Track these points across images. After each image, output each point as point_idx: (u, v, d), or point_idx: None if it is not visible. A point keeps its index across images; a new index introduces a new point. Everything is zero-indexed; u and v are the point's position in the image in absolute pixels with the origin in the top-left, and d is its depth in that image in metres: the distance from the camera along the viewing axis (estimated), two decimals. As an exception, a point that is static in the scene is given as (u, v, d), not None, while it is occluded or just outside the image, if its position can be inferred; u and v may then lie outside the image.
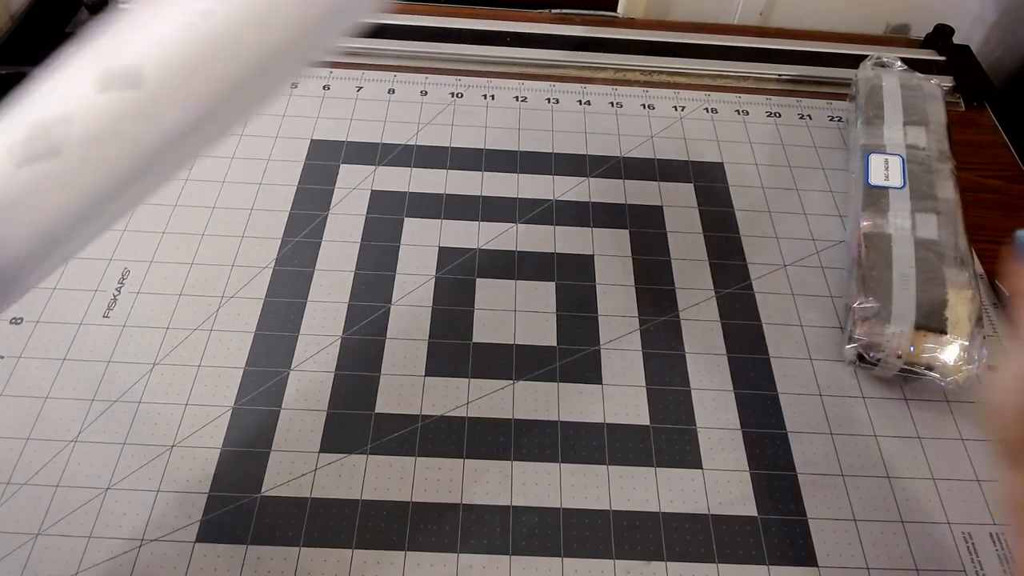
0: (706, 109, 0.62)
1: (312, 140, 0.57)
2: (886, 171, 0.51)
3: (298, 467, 0.40)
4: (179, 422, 0.42)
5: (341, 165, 0.55)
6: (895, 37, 0.73)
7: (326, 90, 0.61)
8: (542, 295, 0.49)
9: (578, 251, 0.51)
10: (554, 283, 0.49)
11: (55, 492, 0.39)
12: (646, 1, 0.71)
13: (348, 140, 0.57)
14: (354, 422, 0.42)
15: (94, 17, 0.63)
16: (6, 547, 0.37)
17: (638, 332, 0.47)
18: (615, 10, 0.71)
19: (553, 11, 0.70)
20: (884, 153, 0.52)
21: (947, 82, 0.64)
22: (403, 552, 0.38)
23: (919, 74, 0.58)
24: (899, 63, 0.59)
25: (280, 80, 0.28)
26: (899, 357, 0.43)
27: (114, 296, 0.47)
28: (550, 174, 0.56)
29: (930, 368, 0.43)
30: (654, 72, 0.65)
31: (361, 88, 0.61)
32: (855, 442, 0.43)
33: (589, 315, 0.48)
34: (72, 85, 0.24)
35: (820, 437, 0.43)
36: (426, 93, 0.61)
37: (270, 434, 0.42)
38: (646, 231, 0.53)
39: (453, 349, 0.46)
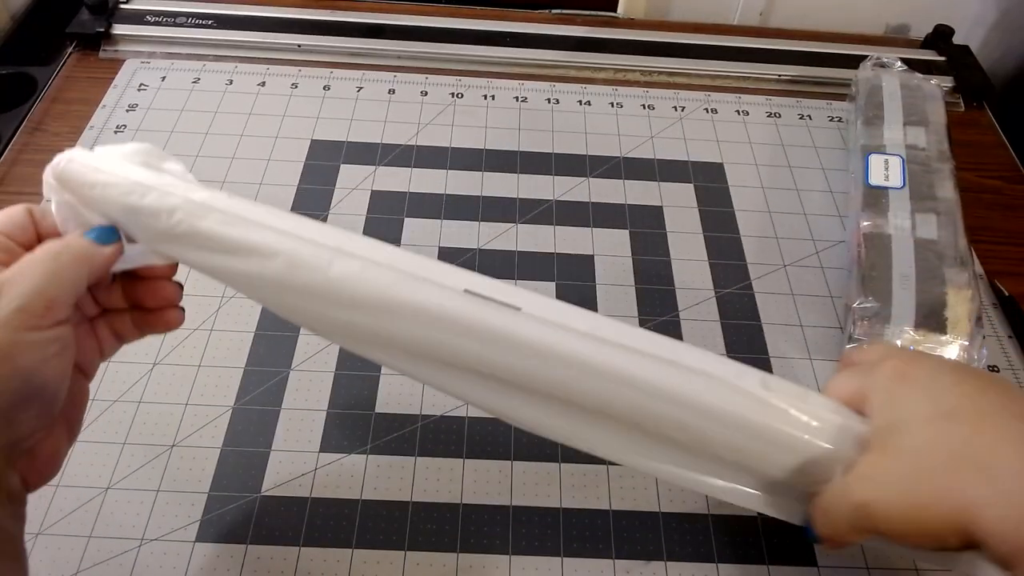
0: (706, 109, 0.62)
1: (312, 140, 0.57)
2: (886, 171, 0.51)
3: (298, 467, 0.40)
4: (179, 422, 0.42)
5: (341, 165, 0.55)
6: (895, 37, 0.73)
7: (326, 90, 0.61)
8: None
9: (578, 251, 0.51)
10: (554, 283, 0.49)
11: (55, 492, 0.39)
12: (646, 1, 0.71)
13: (348, 140, 0.57)
14: (354, 422, 0.42)
15: (94, 17, 0.63)
16: (6, 547, 0.37)
17: (638, 332, 0.47)
18: (615, 10, 0.71)
19: (553, 11, 0.70)
20: (884, 153, 0.52)
21: (947, 82, 0.64)
22: (403, 552, 0.38)
23: (919, 74, 0.58)
24: (899, 63, 0.59)
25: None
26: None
27: (114, 296, 0.47)
28: (550, 174, 0.56)
29: (930, 368, 0.43)
30: (654, 72, 0.65)
31: (361, 88, 0.61)
32: (855, 442, 0.43)
33: (589, 315, 0.48)
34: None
35: (820, 437, 0.43)
36: (426, 93, 0.61)
37: (270, 434, 0.42)
38: (646, 231, 0.53)
39: (453, 349, 0.45)
